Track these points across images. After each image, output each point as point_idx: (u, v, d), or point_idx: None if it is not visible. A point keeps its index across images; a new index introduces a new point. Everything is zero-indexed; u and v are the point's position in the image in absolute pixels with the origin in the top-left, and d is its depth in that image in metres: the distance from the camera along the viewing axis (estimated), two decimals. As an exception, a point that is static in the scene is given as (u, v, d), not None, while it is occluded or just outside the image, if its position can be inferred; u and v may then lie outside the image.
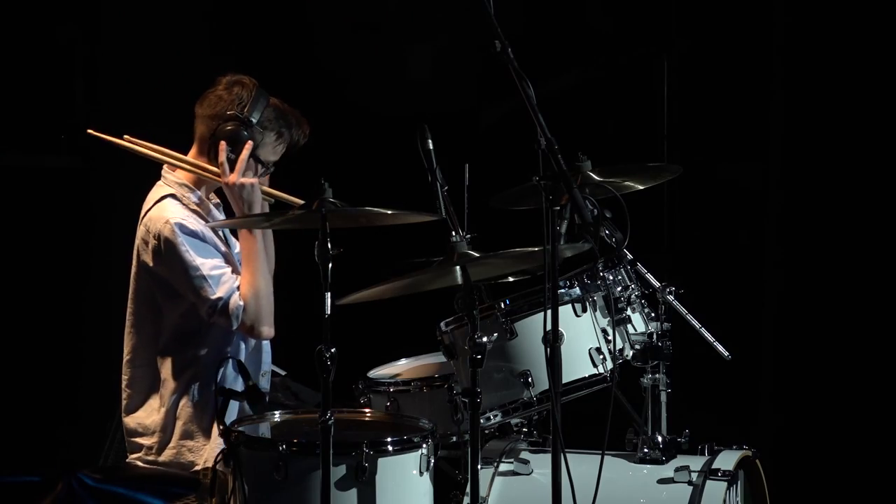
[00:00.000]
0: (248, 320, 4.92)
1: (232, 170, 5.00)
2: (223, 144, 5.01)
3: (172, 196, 5.03)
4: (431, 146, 5.12)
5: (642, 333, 4.94)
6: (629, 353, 4.93)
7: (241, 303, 4.91)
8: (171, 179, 5.07)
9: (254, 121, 5.03)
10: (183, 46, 6.66)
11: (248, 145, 5.02)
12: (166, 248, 4.92)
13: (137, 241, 5.01)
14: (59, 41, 6.80)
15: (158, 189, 5.07)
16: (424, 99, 6.74)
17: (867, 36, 6.42)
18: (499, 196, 5.24)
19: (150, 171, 5.14)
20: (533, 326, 4.77)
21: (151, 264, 4.95)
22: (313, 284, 4.43)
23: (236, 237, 5.19)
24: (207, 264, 4.92)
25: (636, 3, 6.78)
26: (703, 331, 5.06)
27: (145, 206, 5.05)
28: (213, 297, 4.89)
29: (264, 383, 5.11)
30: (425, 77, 6.91)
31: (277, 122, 5.10)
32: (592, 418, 4.59)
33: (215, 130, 5.02)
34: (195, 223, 4.98)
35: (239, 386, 4.98)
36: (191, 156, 5.09)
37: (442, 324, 4.85)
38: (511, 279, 5.15)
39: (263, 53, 6.74)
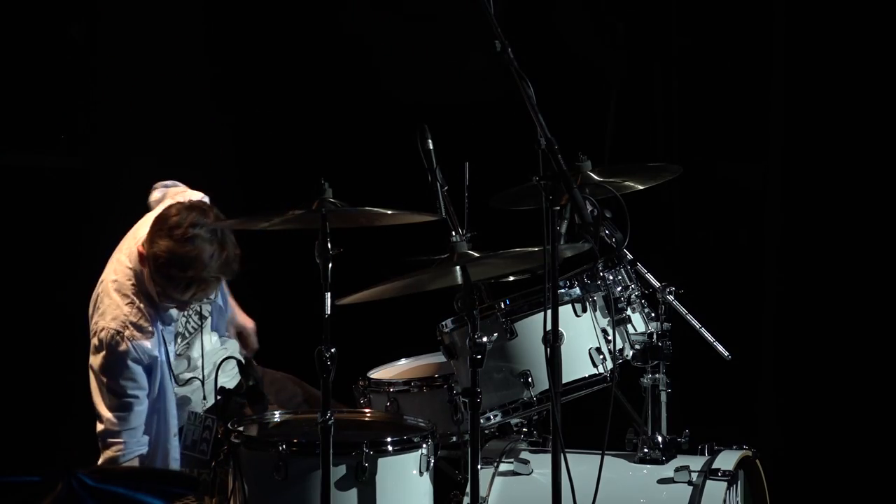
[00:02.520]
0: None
1: None
2: None
3: None
4: (431, 146, 5.12)
5: (642, 333, 4.94)
6: (629, 353, 4.93)
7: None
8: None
9: None
10: (183, 45, 6.65)
11: None
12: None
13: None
14: (60, 41, 6.79)
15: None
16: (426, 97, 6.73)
17: (867, 36, 6.41)
18: (499, 196, 5.24)
19: (151, 172, 5.15)
20: (533, 326, 4.77)
21: None
22: (313, 284, 4.43)
23: None
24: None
25: (636, 2, 6.77)
26: (703, 331, 5.06)
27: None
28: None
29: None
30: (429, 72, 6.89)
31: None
32: (592, 418, 4.59)
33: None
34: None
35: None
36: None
37: (442, 324, 4.85)
38: (511, 279, 5.15)
39: (262, 54, 6.74)
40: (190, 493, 4.84)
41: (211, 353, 5.26)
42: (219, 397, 4.72)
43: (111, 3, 6.75)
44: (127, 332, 5.04)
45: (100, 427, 5.09)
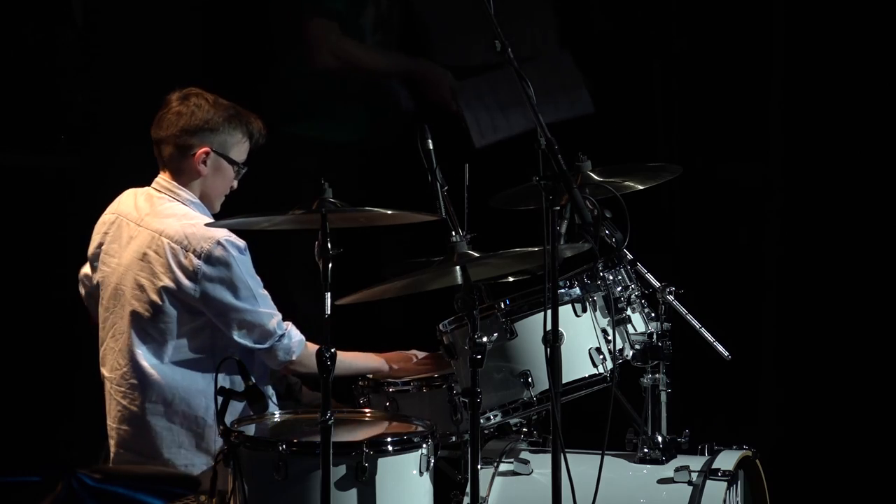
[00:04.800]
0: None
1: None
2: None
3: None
4: (431, 146, 5.12)
5: (642, 333, 4.94)
6: (629, 353, 4.93)
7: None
8: (185, 196, 5.05)
9: (221, 124, 5.02)
10: (181, 45, 6.65)
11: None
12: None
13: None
14: (58, 40, 6.80)
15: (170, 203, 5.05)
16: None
17: (867, 35, 6.42)
18: (499, 196, 5.24)
19: (150, 172, 5.14)
20: (533, 326, 4.77)
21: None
22: (313, 284, 4.43)
23: None
24: None
25: (635, 3, 6.77)
26: (703, 331, 5.06)
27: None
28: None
29: None
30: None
31: (238, 121, 5.07)
32: (592, 418, 4.59)
33: (187, 144, 5.01)
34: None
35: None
36: (167, 178, 5.06)
37: (442, 324, 4.85)
38: (511, 279, 5.15)
39: (259, 52, 6.74)
40: (190, 493, 4.85)
41: None
42: (219, 397, 4.71)
43: (110, 3, 6.76)
44: (227, 235, 4.91)
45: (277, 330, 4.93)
